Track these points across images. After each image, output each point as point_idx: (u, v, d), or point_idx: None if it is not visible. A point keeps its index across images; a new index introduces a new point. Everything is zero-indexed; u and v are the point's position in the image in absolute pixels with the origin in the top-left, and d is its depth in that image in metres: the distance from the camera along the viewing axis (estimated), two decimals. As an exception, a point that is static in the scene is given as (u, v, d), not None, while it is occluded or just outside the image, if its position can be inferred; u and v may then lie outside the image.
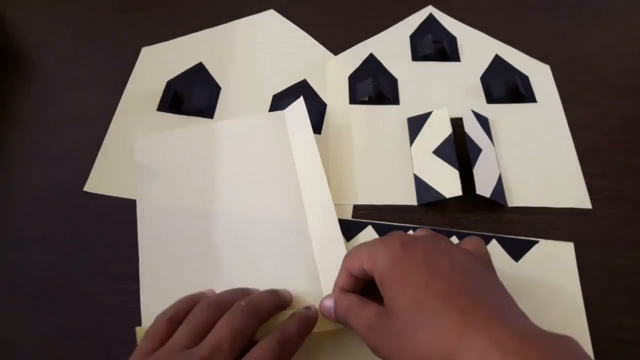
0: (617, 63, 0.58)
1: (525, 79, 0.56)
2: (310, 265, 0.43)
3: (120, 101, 0.53)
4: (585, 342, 0.39)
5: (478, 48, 0.59)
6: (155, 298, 0.41)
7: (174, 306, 0.36)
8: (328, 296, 0.38)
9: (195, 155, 0.49)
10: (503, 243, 0.44)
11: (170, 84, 0.55)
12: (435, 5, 0.63)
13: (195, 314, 0.35)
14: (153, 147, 0.50)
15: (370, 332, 0.34)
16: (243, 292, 0.39)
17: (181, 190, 0.47)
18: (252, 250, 0.44)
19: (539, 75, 0.56)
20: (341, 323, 0.37)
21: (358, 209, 0.47)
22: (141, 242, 0.44)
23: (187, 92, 0.53)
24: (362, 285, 0.37)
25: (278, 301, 0.39)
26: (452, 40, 0.59)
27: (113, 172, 0.49)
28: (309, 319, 0.38)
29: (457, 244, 0.37)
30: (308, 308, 0.39)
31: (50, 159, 0.50)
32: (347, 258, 0.37)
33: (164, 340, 0.33)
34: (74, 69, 0.56)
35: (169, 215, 0.46)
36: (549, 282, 0.42)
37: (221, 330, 0.33)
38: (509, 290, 0.34)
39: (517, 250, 0.44)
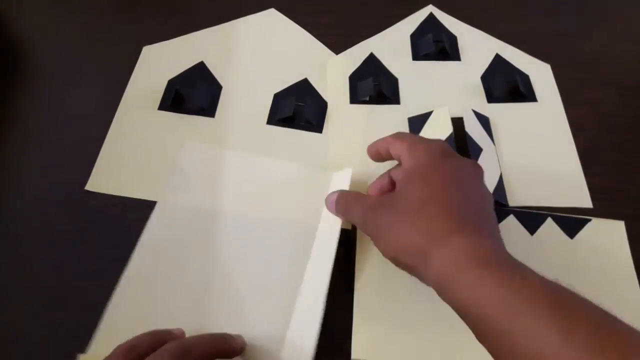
0: (617, 62, 0.57)
1: (525, 78, 0.54)
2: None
3: (122, 100, 0.52)
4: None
5: (478, 47, 0.57)
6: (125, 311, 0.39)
7: (133, 339, 0.33)
8: (332, 192, 0.42)
9: (228, 180, 0.47)
10: (558, 221, 0.45)
11: (172, 83, 0.54)
12: (435, 5, 0.61)
13: (157, 354, 0.32)
14: (198, 156, 0.48)
15: (369, 210, 0.36)
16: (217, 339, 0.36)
17: (203, 205, 0.45)
18: (243, 284, 0.41)
19: (540, 74, 0.55)
20: (342, 216, 0.41)
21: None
22: (142, 243, 0.42)
23: (189, 91, 0.52)
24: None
25: (217, 345, 0.35)
26: (453, 39, 0.58)
27: (114, 171, 0.47)
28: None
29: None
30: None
31: (51, 158, 0.49)
32: (389, 138, 0.40)
33: None
34: (75, 68, 0.55)
35: (184, 225, 0.44)
36: (603, 258, 0.43)
37: None
38: (567, 268, 0.40)
39: (571, 228, 0.44)
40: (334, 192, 0.42)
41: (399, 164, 0.39)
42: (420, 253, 0.32)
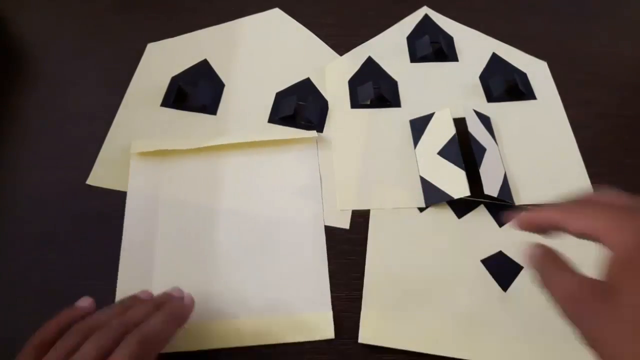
0: (616, 62, 0.55)
1: (523, 76, 0.53)
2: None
3: (125, 96, 0.50)
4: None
5: (475, 47, 0.56)
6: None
7: (40, 331, 0.32)
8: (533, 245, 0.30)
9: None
10: None
11: (175, 80, 0.51)
12: (431, 6, 0.59)
13: (65, 338, 0.31)
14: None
15: (574, 303, 0.27)
16: (123, 307, 0.34)
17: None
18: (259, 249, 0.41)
19: (537, 71, 0.53)
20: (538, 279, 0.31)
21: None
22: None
23: (191, 88, 0.50)
24: None
25: (158, 313, 0.34)
26: (449, 40, 0.56)
27: (116, 165, 0.45)
28: (178, 312, 0.34)
29: None
30: (182, 299, 0.35)
31: (52, 157, 0.46)
32: (568, 213, 0.28)
33: None
34: (76, 67, 0.52)
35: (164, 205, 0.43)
36: None
37: (87, 348, 0.29)
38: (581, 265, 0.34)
39: None
40: (534, 245, 0.31)
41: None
42: None
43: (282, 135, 0.47)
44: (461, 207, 0.44)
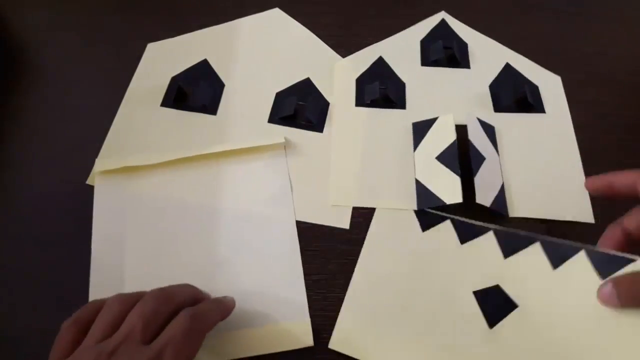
0: (617, 62, 0.53)
1: (534, 88, 0.51)
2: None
3: (125, 96, 0.50)
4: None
5: (489, 55, 0.54)
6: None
7: (75, 313, 0.32)
8: (603, 283, 0.33)
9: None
10: (592, 256, 0.37)
11: (175, 80, 0.51)
12: (447, 11, 0.57)
13: (106, 310, 0.31)
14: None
15: None
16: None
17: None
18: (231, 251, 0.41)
19: (550, 85, 0.51)
20: (628, 306, 0.32)
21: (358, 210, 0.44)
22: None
23: (191, 88, 0.49)
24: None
25: (194, 292, 0.35)
26: (463, 46, 0.54)
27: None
28: (224, 304, 0.35)
29: None
30: (225, 297, 0.36)
31: (52, 157, 0.46)
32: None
33: (75, 345, 0.29)
34: (76, 67, 0.52)
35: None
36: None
37: (133, 319, 0.30)
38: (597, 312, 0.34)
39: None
40: (605, 283, 0.34)
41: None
42: None
43: (250, 142, 0.46)
44: (466, 232, 0.41)
